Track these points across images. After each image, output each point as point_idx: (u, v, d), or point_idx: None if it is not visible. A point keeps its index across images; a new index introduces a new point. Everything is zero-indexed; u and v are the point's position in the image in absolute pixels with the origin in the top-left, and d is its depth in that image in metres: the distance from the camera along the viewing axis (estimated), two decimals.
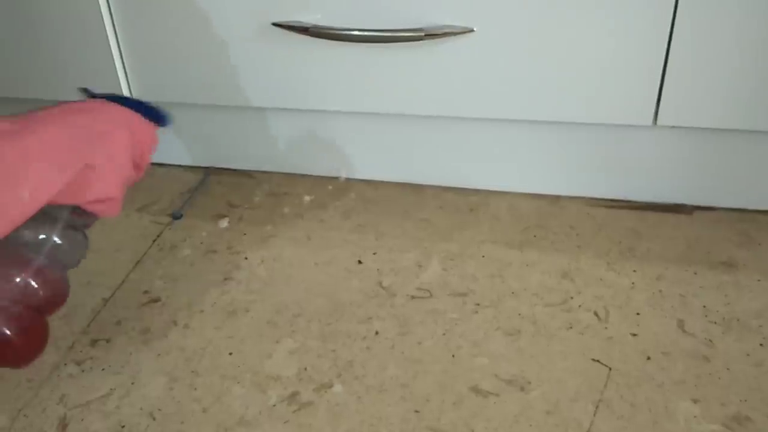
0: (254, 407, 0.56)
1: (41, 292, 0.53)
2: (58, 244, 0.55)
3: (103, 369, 0.61)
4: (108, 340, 0.63)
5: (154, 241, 0.75)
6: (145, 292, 0.68)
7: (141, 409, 0.57)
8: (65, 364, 0.61)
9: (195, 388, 0.58)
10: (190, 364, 0.60)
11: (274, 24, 0.70)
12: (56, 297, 0.55)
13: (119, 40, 0.75)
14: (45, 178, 0.49)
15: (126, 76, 0.77)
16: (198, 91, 0.77)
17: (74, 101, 0.57)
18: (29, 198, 0.48)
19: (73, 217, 0.55)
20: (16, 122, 0.50)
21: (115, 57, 0.76)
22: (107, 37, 0.75)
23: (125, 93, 0.78)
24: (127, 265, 0.72)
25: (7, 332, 0.51)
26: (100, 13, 0.73)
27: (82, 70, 0.77)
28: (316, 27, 0.69)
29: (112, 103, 0.57)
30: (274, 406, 0.56)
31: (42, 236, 0.54)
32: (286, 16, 0.70)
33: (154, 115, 0.60)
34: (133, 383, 0.59)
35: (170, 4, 0.72)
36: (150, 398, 0.58)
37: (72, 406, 0.57)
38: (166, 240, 0.75)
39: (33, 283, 0.53)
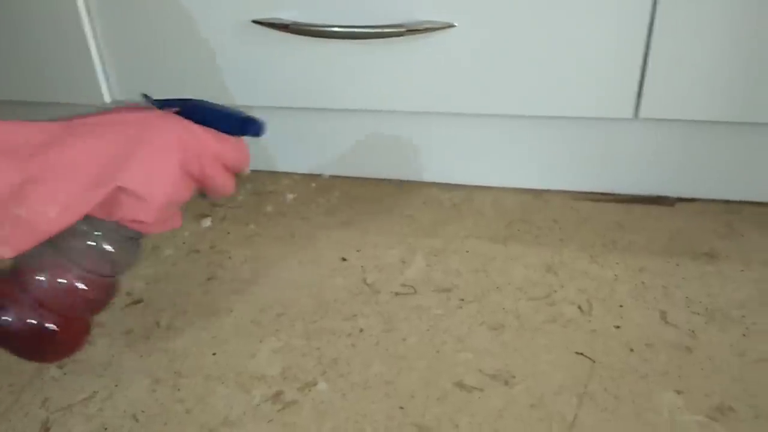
0: (238, 407, 0.56)
1: (88, 295, 0.55)
2: (108, 251, 0.55)
3: (85, 372, 0.60)
4: (90, 343, 0.63)
5: None
6: (128, 293, 0.68)
7: (124, 411, 0.56)
8: (47, 368, 0.60)
9: (178, 389, 0.57)
10: (173, 365, 0.60)
11: (254, 21, 0.69)
12: (103, 298, 0.57)
13: (98, 39, 0.75)
14: (73, 198, 0.47)
15: (105, 75, 0.77)
16: (178, 90, 0.76)
17: (124, 109, 0.54)
18: (56, 216, 0.47)
19: (120, 227, 0.54)
20: (53, 132, 0.48)
21: (94, 57, 0.75)
22: (86, 36, 0.74)
23: (104, 93, 0.77)
24: None
25: (53, 328, 0.54)
26: (78, 12, 0.73)
27: (60, 70, 0.77)
28: (296, 24, 0.68)
29: (168, 115, 0.54)
30: (258, 405, 0.56)
31: (91, 243, 0.54)
32: (266, 13, 0.69)
33: (238, 123, 0.56)
34: (116, 385, 0.58)
35: (149, 3, 0.72)
36: (133, 400, 0.57)
37: (54, 410, 0.57)
38: (149, 240, 0.74)
39: (81, 286, 0.54)
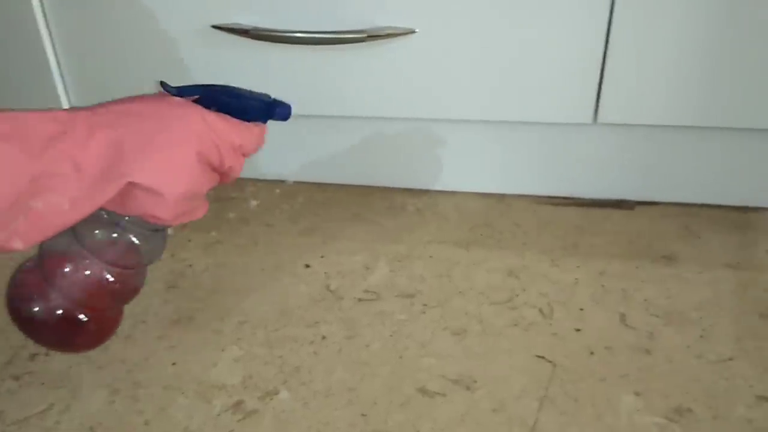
0: (198, 418, 0.55)
1: (115, 286, 0.55)
2: (134, 243, 0.55)
3: (42, 383, 0.59)
4: (47, 354, 0.61)
5: None
6: None
7: (81, 423, 0.55)
8: (3, 380, 0.59)
9: (137, 401, 0.57)
10: (132, 376, 0.59)
11: (214, 26, 0.69)
12: (129, 290, 0.58)
13: (54, 44, 0.74)
14: (85, 192, 0.46)
15: (62, 80, 0.75)
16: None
17: (141, 97, 0.52)
18: (69, 209, 0.46)
19: (143, 221, 0.53)
20: (67, 122, 0.46)
21: (50, 62, 0.74)
22: (42, 41, 0.73)
23: (61, 97, 0.76)
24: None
25: (82, 318, 0.55)
26: (34, 16, 0.71)
27: (15, 75, 0.75)
28: (256, 29, 0.68)
29: (186, 103, 0.52)
30: (219, 415, 0.55)
31: (116, 235, 0.54)
32: (225, 19, 0.69)
33: (263, 109, 0.54)
34: (73, 397, 0.57)
35: (107, 7, 0.71)
36: (90, 412, 0.56)
37: (10, 422, 0.55)
38: None
39: (107, 277, 0.54)
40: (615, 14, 0.63)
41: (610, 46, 0.64)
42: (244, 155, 0.55)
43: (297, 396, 0.56)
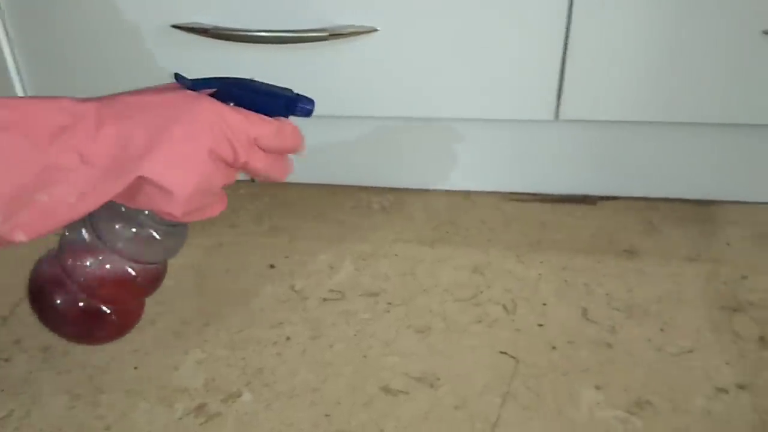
0: (159, 422, 0.54)
1: (134, 280, 0.54)
2: (153, 237, 0.53)
3: (1, 390, 0.58)
4: (7, 360, 0.60)
5: None
6: None
7: (41, 429, 0.55)
8: None
9: (98, 406, 0.56)
10: (93, 381, 0.58)
11: (174, 26, 0.68)
12: (149, 284, 0.57)
13: (11, 42, 0.72)
14: (93, 186, 0.45)
15: (20, 79, 0.74)
16: (95, 94, 0.74)
17: (154, 89, 0.51)
18: (76, 202, 0.44)
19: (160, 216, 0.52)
20: (77, 113, 0.45)
21: (8, 61, 0.73)
22: None
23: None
24: (26, 280, 0.68)
25: (103, 310, 0.54)
26: None
27: None
28: (216, 28, 0.67)
29: (200, 97, 0.50)
30: (181, 419, 0.55)
31: (133, 230, 0.53)
32: (185, 18, 0.68)
33: (283, 104, 0.52)
34: (33, 403, 0.57)
35: (66, 5, 0.70)
36: (51, 418, 0.55)
37: None
38: None
39: (128, 271, 0.54)
40: (574, 14, 0.63)
41: (569, 44, 0.65)
42: (265, 150, 0.52)
43: (260, 398, 0.56)
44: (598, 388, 0.56)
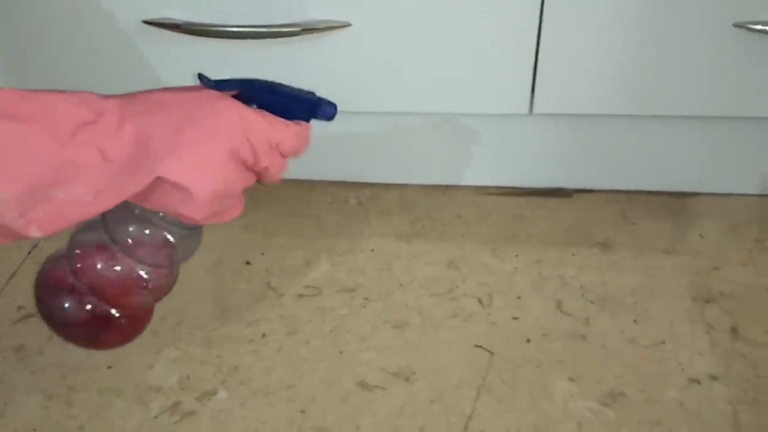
0: (134, 421, 0.54)
1: (146, 284, 0.53)
2: (167, 241, 0.53)
3: None
4: None
5: (29, 253, 0.71)
6: (20, 307, 0.65)
7: (15, 429, 0.54)
8: None
9: (71, 405, 0.56)
10: (67, 380, 0.58)
11: (145, 21, 0.67)
12: (161, 288, 0.55)
13: None
14: (111, 184, 0.44)
15: None
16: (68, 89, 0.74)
17: (176, 89, 0.49)
18: (93, 200, 0.44)
19: (176, 219, 0.51)
20: (98, 109, 0.44)
21: None
22: None
23: None
24: None
25: (115, 314, 0.53)
26: None
27: None
28: (188, 23, 0.67)
29: (222, 98, 0.49)
30: (155, 418, 0.54)
31: (147, 232, 0.52)
32: (157, 13, 0.67)
33: (306, 107, 0.51)
34: (6, 404, 0.56)
35: (36, 1, 0.69)
36: (24, 418, 0.55)
37: None
38: (43, 252, 0.71)
39: (140, 274, 0.53)
40: (546, 8, 0.63)
41: (542, 38, 0.65)
42: (284, 155, 0.53)
43: (235, 395, 0.56)
44: (572, 380, 0.56)
